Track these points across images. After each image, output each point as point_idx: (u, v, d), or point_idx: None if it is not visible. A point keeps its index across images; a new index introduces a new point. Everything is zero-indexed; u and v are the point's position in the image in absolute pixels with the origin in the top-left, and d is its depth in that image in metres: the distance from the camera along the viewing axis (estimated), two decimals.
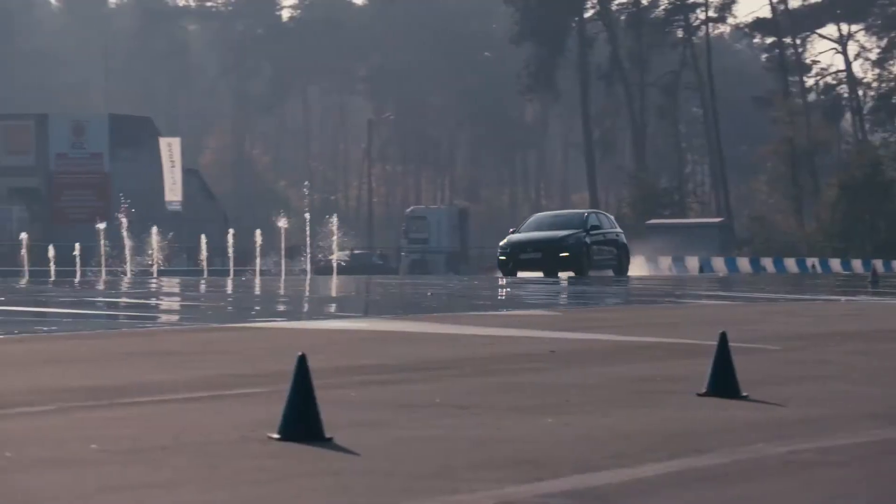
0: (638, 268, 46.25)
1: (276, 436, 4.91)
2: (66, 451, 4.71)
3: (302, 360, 4.87)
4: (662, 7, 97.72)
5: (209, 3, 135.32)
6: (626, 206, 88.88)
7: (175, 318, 14.83)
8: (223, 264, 51.92)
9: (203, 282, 30.13)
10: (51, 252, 47.47)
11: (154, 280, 35.20)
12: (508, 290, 23.40)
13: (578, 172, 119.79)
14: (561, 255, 34.25)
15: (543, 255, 34.45)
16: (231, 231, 49.78)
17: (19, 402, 6.08)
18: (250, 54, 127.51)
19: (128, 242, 48.26)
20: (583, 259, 34.48)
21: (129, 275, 45.08)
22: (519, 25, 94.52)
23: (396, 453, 4.76)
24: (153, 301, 19.20)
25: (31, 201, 69.07)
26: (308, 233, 47.53)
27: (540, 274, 34.42)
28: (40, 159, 72.04)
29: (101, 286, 25.18)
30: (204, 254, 50.36)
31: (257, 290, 24.41)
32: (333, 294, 22.93)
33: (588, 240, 34.98)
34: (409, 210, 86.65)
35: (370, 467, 4.46)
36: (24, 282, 25.09)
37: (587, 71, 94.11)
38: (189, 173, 74.43)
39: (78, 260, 46.42)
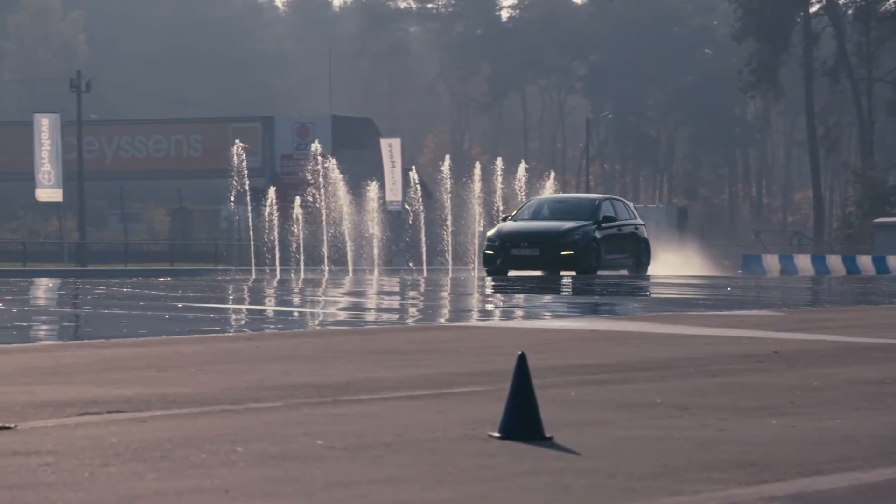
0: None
1: (496, 434, 4.94)
2: (292, 446, 4.81)
3: (522, 360, 4.89)
4: (892, 0, 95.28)
5: (430, 5, 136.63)
6: (851, 205, 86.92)
7: (395, 316, 15.00)
8: (442, 263, 52.36)
9: (422, 280, 30.45)
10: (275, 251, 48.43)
11: (373, 279, 35.68)
12: (729, 289, 23.08)
13: (801, 170, 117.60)
14: (564, 252, 28.20)
15: (542, 252, 28.21)
16: (450, 230, 50.16)
17: (247, 398, 6.22)
18: (469, 54, 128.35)
19: (349, 242, 49.00)
20: (591, 257, 28.65)
21: (351, 273, 45.75)
22: (741, 22, 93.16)
23: (617, 453, 4.74)
24: (375, 299, 19.45)
25: (257, 202, 70.65)
26: None
27: (538, 273, 28.99)
28: (266, 160, 73.69)
29: (324, 285, 25.62)
30: (424, 253, 50.86)
31: (474, 290, 24.54)
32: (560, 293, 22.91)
33: (599, 234, 29.00)
34: None
35: (591, 467, 4.45)
36: (259, 281, 25.72)
37: (812, 67, 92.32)
38: (409, 173, 75.22)
39: (301, 259, 47.31)
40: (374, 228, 49.17)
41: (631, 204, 32.57)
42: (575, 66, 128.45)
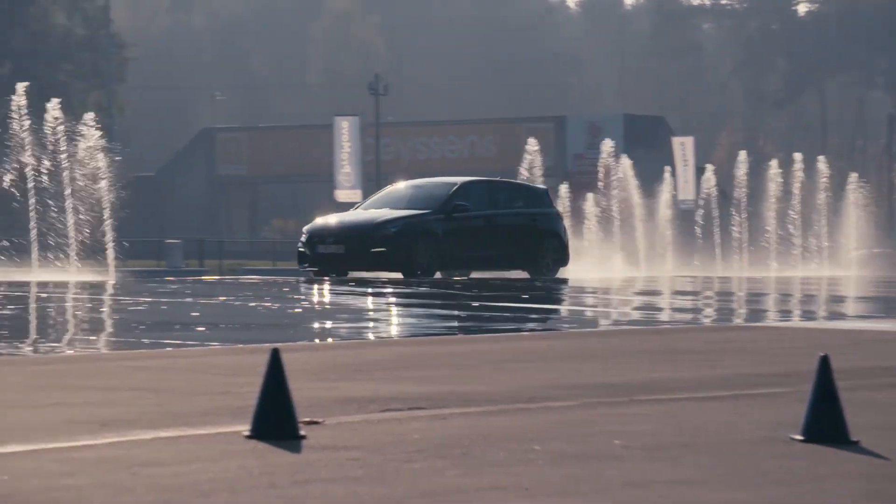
0: None
1: (799, 437, 4.85)
2: (589, 445, 4.82)
3: (825, 361, 4.79)
4: None
5: (724, 2, 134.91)
6: None
7: (689, 316, 14.85)
8: (738, 262, 51.54)
9: (715, 280, 30.06)
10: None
11: (666, 278, 35.37)
12: None
13: None
14: (374, 249, 23.35)
15: (348, 250, 23.54)
16: (745, 228, 49.37)
17: (543, 396, 6.26)
18: (764, 50, 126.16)
19: (641, 241, 48.68)
20: (415, 254, 23.57)
21: (643, 272, 45.47)
22: None
23: None
24: (668, 299, 19.30)
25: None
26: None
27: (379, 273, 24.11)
28: (558, 160, 73.97)
29: (616, 284, 25.56)
30: (718, 253, 50.21)
31: (771, 290, 24.09)
32: (854, 294, 22.34)
33: (444, 226, 23.98)
34: None
35: None
36: (551, 280, 25.88)
37: None
38: (701, 171, 74.41)
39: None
40: (667, 227, 48.79)
41: (542, 189, 27.07)
42: (876, 60, 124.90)
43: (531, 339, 10.28)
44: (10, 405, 5.90)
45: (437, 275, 23.83)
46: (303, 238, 23.99)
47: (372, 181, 68.78)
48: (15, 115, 25.66)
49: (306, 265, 23.83)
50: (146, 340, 10.67)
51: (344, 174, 64.88)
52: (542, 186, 27.35)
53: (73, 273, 21.89)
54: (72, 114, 26.43)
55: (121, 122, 66.11)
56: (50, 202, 25.21)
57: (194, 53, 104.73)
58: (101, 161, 25.58)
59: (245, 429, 4.85)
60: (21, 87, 25.92)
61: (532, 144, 43.85)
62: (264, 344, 9.34)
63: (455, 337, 10.41)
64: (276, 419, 4.81)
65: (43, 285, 18.80)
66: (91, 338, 11.12)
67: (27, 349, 9.77)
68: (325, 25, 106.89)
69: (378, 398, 6.07)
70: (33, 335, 11.34)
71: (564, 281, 24.56)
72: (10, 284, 19.17)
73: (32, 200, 25.16)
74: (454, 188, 24.76)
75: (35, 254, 24.33)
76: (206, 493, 3.89)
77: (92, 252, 25.21)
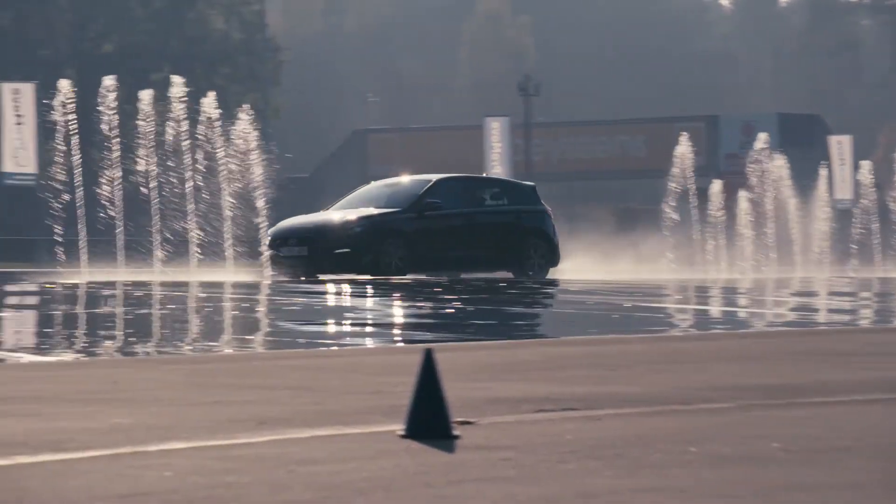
0: None
1: None
2: (746, 448, 4.76)
3: None
4: None
5: None
6: None
7: (847, 317, 14.61)
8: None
9: (875, 281, 29.52)
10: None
11: (822, 279, 34.86)
12: None
13: None
14: (338, 251, 22.26)
15: (311, 251, 22.45)
16: None
17: (698, 398, 6.20)
18: None
19: (797, 241, 48.02)
20: (382, 255, 22.39)
21: (799, 273, 44.84)
22: None
23: None
24: (825, 300, 19.00)
25: (702, 201, 70.39)
26: None
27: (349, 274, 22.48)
28: (711, 160, 73.29)
29: (771, 284, 25.24)
30: (877, 253, 49.29)
31: None
32: None
33: (414, 225, 22.80)
34: None
35: None
36: (703, 280, 25.64)
37: None
38: (859, 170, 73.20)
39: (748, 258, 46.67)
40: (823, 227, 48.01)
41: (529, 186, 25.45)
42: None
43: (684, 339, 10.20)
44: (171, 403, 6.01)
45: (409, 276, 22.42)
46: (267, 241, 23.13)
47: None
48: (173, 118, 26.13)
49: (272, 269, 22.75)
50: (301, 340, 10.80)
51: (494, 174, 65.12)
52: (529, 183, 25.94)
53: (230, 273, 22.16)
54: (228, 117, 26.83)
55: (275, 124, 67.01)
56: (205, 203, 25.61)
57: (346, 56, 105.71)
58: (257, 162, 25.92)
59: (399, 428, 4.87)
60: (147, 94, 26.34)
61: (683, 144, 43.46)
62: (416, 344, 9.39)
63: (607, 337, 10.36)
64: (429, 419, 4.83)
65: (201, 285, 19.12)
66: (247, 337, 11.28)
67: (187, 348, 9.94)
68: (474, 26, 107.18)
69: (530, 398, 6.06)
70: (193, 335, 11.53)
71: (715, 281, 24.31)
72: (169, 285, 19.53)
73: (191, 201, 25.51)
74: (427, 185, 23.62)
75: (193, 254, 24.72)
76: (363, 492, 3.92)
77: (248, 252, 25.35)
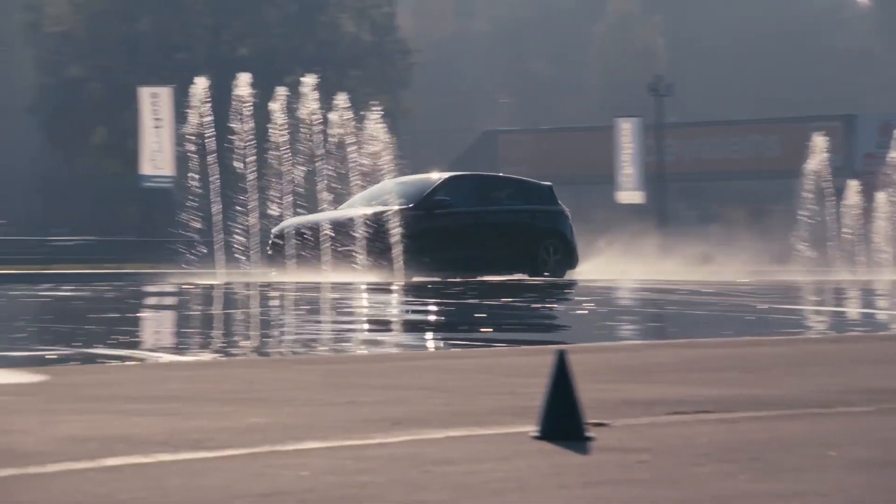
0: None
1: None
2: (890, 452, 4.69)
3: None
4: None
5: None
6: None
7: None
8: None
9: None
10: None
11: None
12: None
13: None
14: (340, 249, 22.15)
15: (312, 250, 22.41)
16: None
17: (837, 401, 6.12)
18: None
19: None
20: (386, 254, 21.87)
21: None
22: None
23: None
24: None
25: (838, 201, 69.45)
26: None
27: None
28: (847, 159, 72.26)
29: None
30: None
31: None
32: None
33: (416, 225, 22.07)
34: None
35: None
36: (839, 281, 25.27)
37: None
38: None
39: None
40: None
41: (546, 186, 24.43)
42: None
43: (821, 341, 10.06)
44: (306, 403, 6.06)
45: (415, 277, 21.69)
46: (270, 241, 22.66)
47: (654, 183, 68.48)
48: (305, 119, 26.34)
49: (272, 269, 22.37)
50: (434, 341, 10.84)
51: (625, 176, 64.71)
52: (545, 183, 24.89)
53: (363, 274, 22.29)
54: (359, 119, 27.02)
55: (406, 126, 67.36)
56: (336, 205, 25.79)
57: (477, 57, 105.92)
58: (387, 163, 26.05)
59: (531, 429, 4.87)
60: (282, 91, 26.56)
61: (819, 143, 42.86)
62: (546, 345, 9.38)
63: (741, 339, 10.26)
64: (563, 420, 4.82)
65: (334, 287, 19.28)
66: (380, 338, 11.35)
67: (321, 349, 10.03)
68: (605, 27, 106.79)
69: (664, 400, 6.03)
70: (328, 335, 11.64)
71: (852, 283, 23.95)
72: (303, 286, 19.71)
73: (324, 201, 25.61)
74: (437, 183, 23.04)
75: (325, 254, 24.77)
76: (498, 492, 3.93)
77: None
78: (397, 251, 21.88)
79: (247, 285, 19.81)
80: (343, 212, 22.84)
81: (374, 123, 26.68)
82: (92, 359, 8.95)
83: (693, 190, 75.93)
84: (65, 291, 19.44)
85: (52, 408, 5.82)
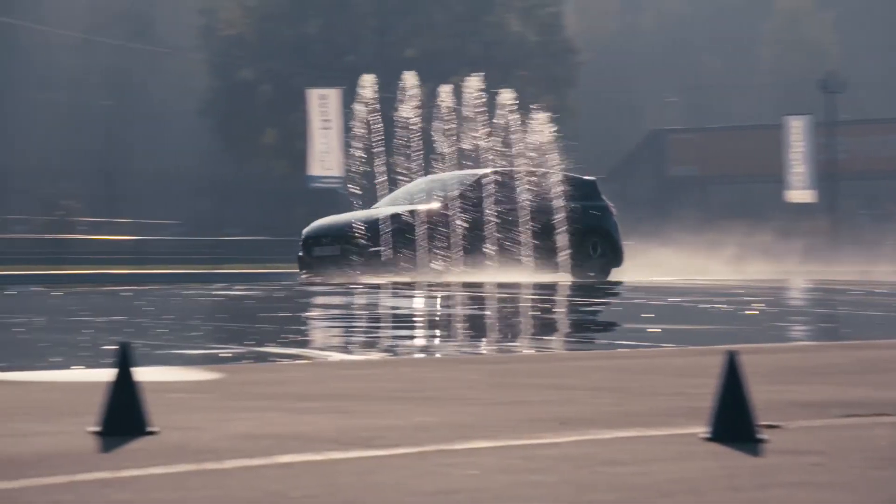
0: None
1: None
2: None
3: None
4: None
5: None
6: None
7: None
8: None
9: None
10: None
11: None
12: None
13: None
14: (371, 249, 21.12)
15: (343, 251, 21.23)
16: None
17: None
18: None
19: None
20: (419, 254, 21.27)
21: None
22: None
23: None
24: None
25: None
26: None
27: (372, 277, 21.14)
28: None
29: None
30: None
31: None
32: None
33: (449, 223, 21.38)
34: None
35: None
36: None
37: None
38: None
39: None
40: None
41: (591, 179, 23.63)
42: None
43: None
44: (473, 402, 6.08)
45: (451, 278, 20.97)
46: (301, 240, 21.91)
47: (824, 181, 67.34)
48: (470, 117, 26.40)
49: (304, 271, 21.70)
50: (600, 341, 10.80)
51: (795, 174, 63.75)
52: (589, 178, 23.90)
53: (528, 273, 22.21)
54: (525, 119, 27.00)
55: (572, 125, 67.21)
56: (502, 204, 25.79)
57: (644, 55, 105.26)
58: (553, 163, 25.99)
59: (701, 430, 4.82)
60: (447, 89, 26.63)
61: None
62: (715, 346, 9.28)
63: None
64: (734, 422, 4.76)
65: (500, 286, 19.30)
66: (546, 337, 11.34)
67: (487, 348, 10.05)
68: (775, 24, 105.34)
69: (839, 402, 5.92)
70: (493, 334, 11.66)
71: None
72: (470, 285, 19.77)
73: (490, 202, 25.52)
74: (472, 179, 22.23)
75: (492, 253, 24.70)
76: (668, 494, 3.90)
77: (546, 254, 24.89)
78: (430, 251, 21.22)
79: (411, 285, 19.91)
80: (376, 210, 22.10)
81: (540, 123, 26.65)
82: (264, 357, 9.09)
83: (867, 189, 74.52)
84: (237, 291, 19.77)
85: (226, 405, 5.92)
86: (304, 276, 21.74)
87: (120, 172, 75.98)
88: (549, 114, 27.21)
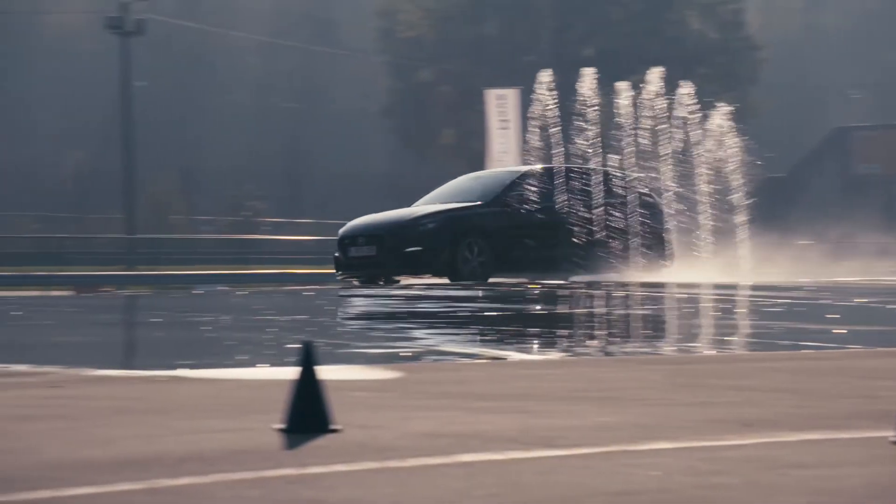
0: None
1: None
2: None
3: None
4: None
5: None
6: None
7: None
8: None
9: None
10: None
11: None
12: None
13: None
14: (409, 249, 20.03)
15: (379, 251, 20.25)
16: None
17: None
18: None
19: None
20: (459, 254, 20.04)
21: None
22: None
23: None
24: None
25: None
26: None
27: (418, 278, 20.55)
28: None
29: None
30: None
31: None
32: None
33: (492, 222, 20.43)
34: None
35: None
36: None
37: None
38: None
39: None
40: None
41: (626, 175, 22.83)
42: None
43: None
44: (655, 403, 6.04)
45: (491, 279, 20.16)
46: (338, 240, 21.12)
47: None
48: (649, 115, 26.21)
49: (339, 272, 21.03)
50: (783, 341, 10.63)
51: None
52: (634, 174, 23.12)
53: (708, 272, 21.88)
54: (704, 116, 26.73)
55: (754, 123, 66.34)
56: (684, 202, 25.55)
57: (827, 52, 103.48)
58: (735, 161, 25.69)
59: (892, 434, 4.72)
60: (624, 85, 26.43)
61: None
62: None
63: None
64: None
65: (679, 286, 19.14)
66: (727, 338, 11.21)
67: (668, 348, 9.97)
68: None
69: None
70: (673, 335, 11.56)
71: None
72: (647, 285, 19.62)
73: (671, 200, 25.23)
74: (515, 177, 21.32)
75: (667, 254, 24.38)
76: (857, 498, 3.82)
77: (724, 253, 24.55)
78: (469, 251, 20.30)
79: (588, 284, 19.81)
80: (414, 209, 21.29)
81: (721, 120, 26.36)
82: (443, 356, 9.14)
83: None
84: (415, 290, 19.89)
85: (407, 404, 5.97)
86: (339, 277, 21.35)
87: (303, 173, 77.12)
88: (730, 108, 26.90)
